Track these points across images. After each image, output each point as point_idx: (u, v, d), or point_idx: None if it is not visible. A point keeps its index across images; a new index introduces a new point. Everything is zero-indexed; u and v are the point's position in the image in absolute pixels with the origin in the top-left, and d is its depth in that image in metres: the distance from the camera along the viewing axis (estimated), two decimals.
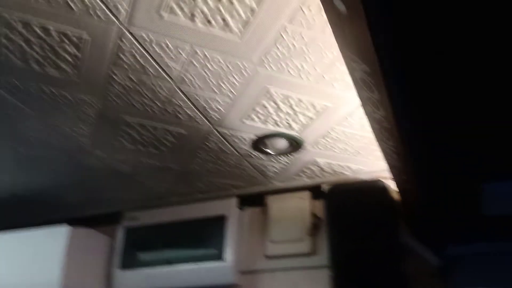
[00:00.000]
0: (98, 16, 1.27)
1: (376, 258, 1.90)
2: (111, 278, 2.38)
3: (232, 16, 1.25)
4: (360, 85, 1.15)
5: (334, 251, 1.96)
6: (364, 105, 1.23)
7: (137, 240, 2.43)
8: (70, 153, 2.01)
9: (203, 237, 2.29)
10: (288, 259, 2.17)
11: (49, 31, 1.33)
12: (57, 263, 2.20)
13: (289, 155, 1.95)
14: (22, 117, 1.76)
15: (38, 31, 1.33)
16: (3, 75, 1.52)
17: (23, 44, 1.38)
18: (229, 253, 2.18)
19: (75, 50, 1.40)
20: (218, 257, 2.20)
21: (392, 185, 1.91)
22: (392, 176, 1.61)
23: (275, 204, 2.28)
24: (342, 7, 0.92)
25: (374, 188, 1.93)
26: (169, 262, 2.29)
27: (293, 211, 2.23)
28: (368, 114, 1.26)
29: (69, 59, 1.44)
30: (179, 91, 1.58)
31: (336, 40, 1.06)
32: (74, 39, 1.35)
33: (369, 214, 1.91)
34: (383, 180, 1.95)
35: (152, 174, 2.20)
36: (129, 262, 2.40)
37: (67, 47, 1.39)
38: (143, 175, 2.21)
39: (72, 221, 2.60)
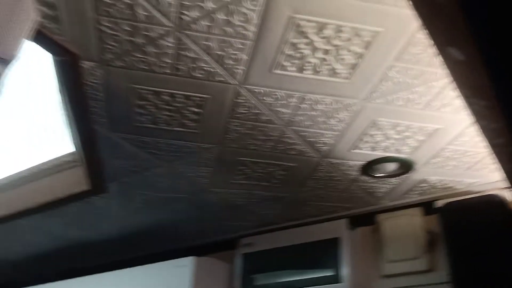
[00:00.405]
0: (219, 80, 1.42)
1: (498, 273, 1.85)
2: None
3: (339, 63, 1.33)
4: (478, 116, 1.17)
5: (454, 268, 1.94)
6: (483, 132, 1.24)
7: (255, 265, 2.56)
8: (191, 193, 2.20)
9: (317, 260, 2.37)
10: (406, 278, 2.17)
11: (176, 97, 1.50)
12: None
13: (399, 177, 1.97)
14: (151, 167, 1.97)
15: (166, 97, 1.51)
16: (136, 135, 1.73)
17: (154, 110, 1.57)
18: (345, 275, 2.24)
19: (197, 109, 1.57)
20: (335, 279, 2.26)
21: (508, 196, 1.86)
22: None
23: (387, 222, 2.29)
24: (458, 55, 0.97)
25: (491, 202, 1.88)
26: (288, 286, 2.39)
27: (406, 228, 2.23)
28: (488, 139, 1.27)
29: (192, 116, 1.61)
30: (288, 131, 1.68)
31: (452, 79, 1.10)
32: (197, 100, 1.52)
33: (488, 229, 1.87)
34: (499, 193, 1.90)
35: (263, 203, 2.33)
36: (249, 286, 2.54)
37: (191, 107, 1.56)
38: (255, 205, 2.35)
39: (192, 250, 2.83)
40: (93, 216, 2.45)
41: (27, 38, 0.88)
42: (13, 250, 3.04)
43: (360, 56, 1.30)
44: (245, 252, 2.63)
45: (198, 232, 2.70)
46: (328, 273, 2.30)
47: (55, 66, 1.38)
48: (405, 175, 1.95)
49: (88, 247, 2.90)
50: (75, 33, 1.25)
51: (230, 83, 1.43)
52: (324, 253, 2.36)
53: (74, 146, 2.03)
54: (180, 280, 2.46)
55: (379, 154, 1.80)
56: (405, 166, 1.87)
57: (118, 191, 2.18)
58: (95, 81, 1.43)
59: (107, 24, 1.21)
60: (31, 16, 0.88)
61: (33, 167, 2.30)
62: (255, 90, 1.45)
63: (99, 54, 1.32)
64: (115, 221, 2.52)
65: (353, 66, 1.34)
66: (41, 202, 2.34)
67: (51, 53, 1.32)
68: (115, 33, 1.24)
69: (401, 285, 2.18)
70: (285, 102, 1.51)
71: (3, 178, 2.43)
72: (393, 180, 2.02)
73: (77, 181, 2.15)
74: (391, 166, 1.87)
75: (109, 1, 1.14)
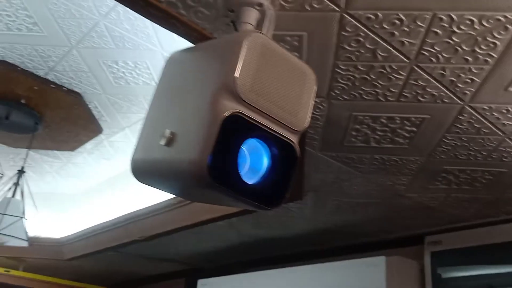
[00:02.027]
0: (444, 102, 1.40)
1: None
2: None
3: None
4: None
5: None
6: None
7: (445, 263, 2.52)
8: (385, 198, 2.22)
9: None
10: None
11: (393, 119, 1.52)
12: None
13: None
14: (349, 178, 2.03)
15: (383, 121, 1.54)
16: (344, 153, 1.79)
17: (368, 132, 1.62)
18: None
19: (412, 128, 1.57)
20: None
21: None
22: None
23: None
24: None
25: None
26: (491, 286, 2.30)
27: None
28: None
29: (405, 134, 1.62)
30: (508, 141, 1.60)
31: None
32: (415, 120, 1.52)
33: None
34: None
35: (459, 204, 2.25)
36: (440, 284, 2.50)
37: (406, 127, 1.56)
38: (449, 206, 2.28)
39: (378, 244, 2.88)
40: (284, 218, 2.62)
41: (312, 107, 0.96)
42: (205, 244, 3.40)
43: None
44: (434, 250, 2.59)
45: (385, 229, 2.72)
46: None
47: None
48: None
49: (273, 241, 3.12)
50: None
51: (456, 103, 1.40)
52: None
53: None
54: (372, 279, 2.50)
55: None
56: None
57: (313, 198, 2.30)
58: (317, 113, 1.51)
59: (343, 67, 1.27)
60: (314, 85, 0.96)
61: None
62: (483, 107, 1.41)
63: (328, 92, 1.39)
64: (305, 222, 2.67)
65: None
66: (238, 209, 2.57)
67: None
68: (349, 73, 1.29)
69: None
70: None
71: None
72: None
73: None
74: None
75: (351, 49, 1.19)
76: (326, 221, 2.62)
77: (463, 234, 2.50)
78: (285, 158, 0.92)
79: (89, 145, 3.06)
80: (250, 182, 0.89)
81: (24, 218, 2.46)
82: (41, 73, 2.12)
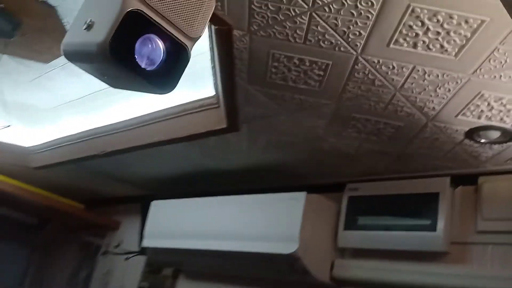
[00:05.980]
0: (341, 50, 1.70)
1: None
2: (337, 236, 2.91)
3: (448, 43, 1.53)
4: None
5: None
6: None
7: (358, 207, 2.89)
8: (308, 139, 2.55)
9: (417, 210, 2.61)
10: (500, 235, 2.34)
11: (303, 61, 1.82)
12: (296, 221, 2.80)
13: (502, 144, 2.11)
14: (276, 115, 2.35)
15: (296, 61, 1.84)
16: (268, 88, 2.10)
17: (285, 70, 1.92)
18: (441, 225, 2.45)
19: (320, 72, 1.87)
20: (431, 228, 2.50)
21: None
22: None
23: (488, 184, 2.44)
24: None
25: None
26: (386, 228, 2.69)
27: (506, 191, 2.36)
28: None
29: (315, 77, 1.92)
30: (399, 95, 1.92)
31: None
32: (321, 64, 1.82)
33: None
34: None
35: (372, 156, 2.60)
36: (351, 224, 2.89)
37: (315, 70, 1.87)
38: (364, 156, 2.63)
39: (303, 188, 3.23)
40: (225, 150, 2.95)
41: (208, 19, 1.26)
42: (159, 169, 3.72)
43: (467, 38, 1.48)
44: (351, 195, 2.96)
45: (311, 173, 3.08)
46: (426, 222, 2.54)
47: (213, 33, 1.77)
48: (507, 143, 2.08)
49: (218, 174, 3.46)
50: (232, 9, 1.61)
51: (350, 53, 1.70)
52: (423, 205, 2.59)
53: (215, 91, 2.49)
54: (292, 211, 2.87)
55: (483, 122, 1.96)
56: (508, 135, 2.00)
57: (248, 131, 2.62)
58: (242, 45, 1.80)
59: (257, 4, 1.55)
60: (213, 2, 1.25)
61: (180, 105, 2.82)
62: (372, 60, 1.71)
63: (248, 26, 1.67)
64: (242, 156, 3.00)
65: (461, 47, 1.53)
66: (185, 134, 2.88)
67: (212, 23, 1.71)
68: (262, 11, 1.57)
69: (494, 241, 2.35)
70: (398, 71, 1.75)
71: (157, 111, 3.02)
72: (496, 146, 2.15)
73: (216, 120, 2.62)
74: (494, 134, 2.01)
75: None
76: (260, 157, 2.95)
77: (378, 184, 2.86)
78: (178, 57, 1.22)
79: (62, 60, 3.28)
80: (148, 69, 1.19)
81: None
82: None
